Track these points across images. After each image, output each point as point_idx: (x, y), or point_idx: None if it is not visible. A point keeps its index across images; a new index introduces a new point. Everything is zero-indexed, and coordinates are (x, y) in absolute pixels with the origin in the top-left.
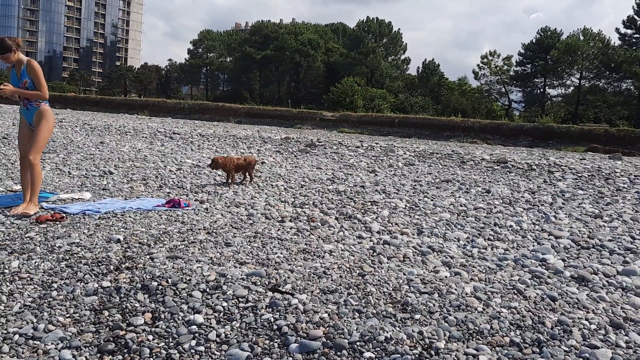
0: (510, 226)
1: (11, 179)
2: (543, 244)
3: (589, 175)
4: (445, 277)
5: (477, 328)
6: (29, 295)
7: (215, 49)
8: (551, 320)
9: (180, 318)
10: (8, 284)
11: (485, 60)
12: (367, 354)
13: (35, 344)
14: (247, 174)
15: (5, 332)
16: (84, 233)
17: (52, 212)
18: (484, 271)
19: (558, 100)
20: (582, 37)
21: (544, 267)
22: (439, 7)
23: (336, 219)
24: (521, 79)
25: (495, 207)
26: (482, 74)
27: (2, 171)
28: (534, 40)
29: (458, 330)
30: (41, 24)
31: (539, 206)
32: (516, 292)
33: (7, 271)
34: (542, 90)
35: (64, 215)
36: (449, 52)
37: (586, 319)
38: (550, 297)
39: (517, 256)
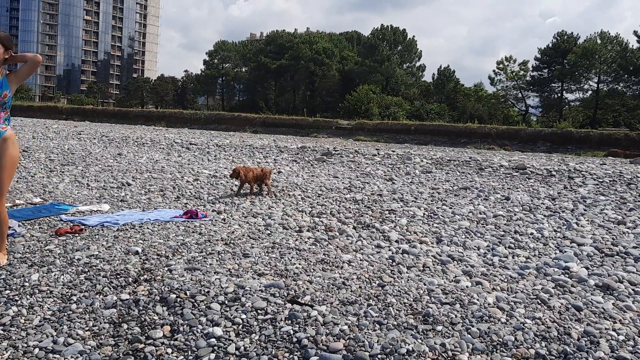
0: (531, 234)
1: (31, 192)
2: (565, 251)
3: (610, 181)
4: (467, 287)
5: (501, 340)
6: (48, 308)
7: (230, 59)
8: (577, 331)
9: (199, 331)
10: (28, 297)
11: (501, 65)
12: None
13: (55, 357)
14: (263, 184)
15: (25, 345)
16: (102, 245)
17: (71, 224)
18: (505, 280)
19: (576, 105)
20: (599, 41)
21: (567, 275)
22: (454, 13)
23: (354, 228)
24: (538, 84)
25: (515, 215)
26: (498, 80)
27: (22, 184)
28: (550, 45)
29: (481, 342)
30: (60, 38)
31: (560, 213)
32: (540, 301)
33: (27, 284)
34: (559, 95)
35: (83, 227)
36: (465, 58)
37: (613, 330)
38: (575, 307)
39: (539, 264)
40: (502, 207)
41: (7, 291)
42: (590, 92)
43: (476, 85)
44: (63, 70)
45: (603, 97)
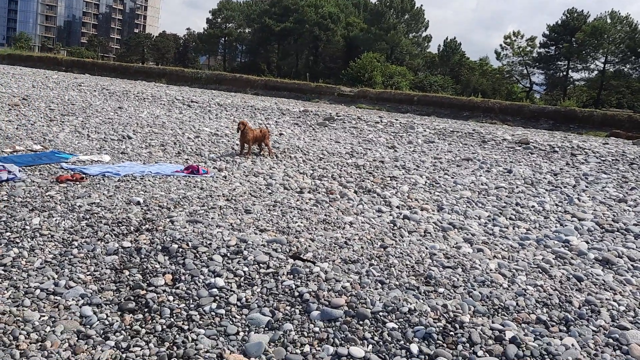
0: (533, 206)
1: (31, 139)
2: (566, 225)
3: (612, 160)
4: (468, 253)
5: (502, 304)
6: (49, 251)
7: (234, 19)
8: (578, 299)
9: (200, 281)
10: (29, 239)
11: (508, 40)
12: (390, 324)
13: (56, 299)
14: (263, 144)
15: (26, 286)
16: (104, 194)
17: (72, 172)
18: (506, 249)
19: (581, 84)
20: (609, 20)
21: (567, 248)
22: None
23: (355, 192)
24: (544, 61)
25: (517, 187)
26: (504, 55)
27: (22, 131)
28: (559, 22)
29: (483, 305)
30: None
31: (561, 188)
32: (541, 270)
33: (28, 227)
34: (565, 73)
35: (84, 176)
36: (472, 31)
37: (614, 300)
38: (576, 277)
39: (539, 236)
40: (504, 180)
41: (8, 233)
42: (596, 72)
43: (482, 60)
44: (63, 21)
45: (609, 77)
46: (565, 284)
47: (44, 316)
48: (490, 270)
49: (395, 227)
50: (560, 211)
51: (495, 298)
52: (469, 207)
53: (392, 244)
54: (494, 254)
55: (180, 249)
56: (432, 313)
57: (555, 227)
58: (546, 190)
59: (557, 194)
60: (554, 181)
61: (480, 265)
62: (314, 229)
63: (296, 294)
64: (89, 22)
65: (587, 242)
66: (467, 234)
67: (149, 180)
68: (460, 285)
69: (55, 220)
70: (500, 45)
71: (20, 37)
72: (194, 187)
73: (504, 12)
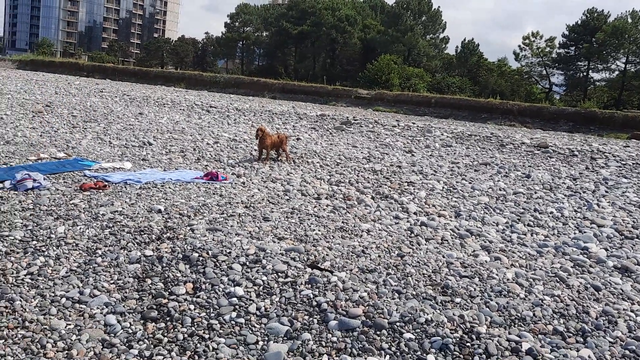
0: (551, 213)
1: (54, 146)
2: (585, 232)
3: (633, 164)
4: (485, 261)
5: (519, 314)
6: (74, 260)
7: (252, 23)
8: (595, 310)
9: (220, 289)
10: (55, 248)
11: (527, 41)
12: (407, 335)
13: (81, 307)
14: (280, 149)
15: (53, 294)
16: (126, 202)
17: (95, 180)
18: (524, 257)
19: (601, 85)
20: (630, 20)
21: (586, 255)
22: None
23: (372, 198)
24: (564, 61)
25: (535, 193)
26: (523, 56)
27: (46, 138)
28: (579, 22)
29: (500, 315)
30: None
31: (580, 193)
32: (558, 280)
33: (53, 236)
34: (585, 73)
35: (107, 183)
36: (490, 32)
37: (632, 311)
38: (593, 287)
39: (557, 243)
40: (522, 185)
41: (34, 242)
42: (617, 72)
43: (500, 60)
44: (85, 27)
45: (630, 78)
46: (583, 293)
47: (69, 324)
48: (508, 279)
49: (413, 235)
50: (579, 217)
51: (512, 308)
52: (486, 213)
53: (409, 252)
54: (511, 262)
55: (201, 258)
56: (448, 324)
57: (574, 234)
58: (565, 195)
59: (576, 199)
60: (573, 186)
61: (497, 274)
62: (332, 237)
63: (314, 303)
64: (110, 27)
65: (606, 250)
66: (485, 242)
67: (169, 187)
68: (477, 295)
69: (80, 228)
70: (519, 46)
71: (43, 43)
72: (214, 194)
73: (521, 12)
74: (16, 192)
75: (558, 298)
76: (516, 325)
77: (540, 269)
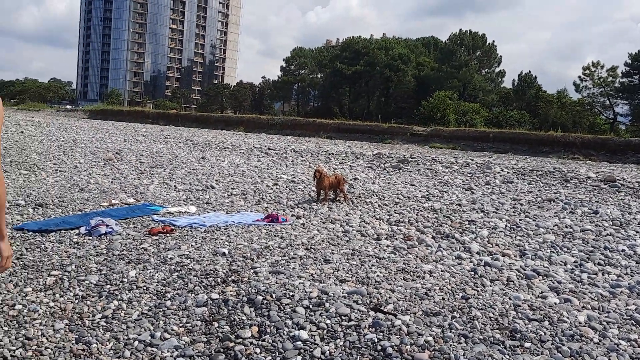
0: (623, 250)
1: (124, 192)
2: None
3: None
4: (555, 303)
5: None
6: (145, 303)
7: (306, 65)
8: None
9: (285, 333)
10: (127, 292)
11: (587, 71)
12: None
13: (152, 350)
14: (338, 190)
15: (126, 337)
16: (192, 245)
17: (163, 224)
18: (596, 299)
19: None
20: None
21: None
22: (536, 18)
23: (433, 237)
24: (628, 90)
25: (604, 230)
26: (583, 86)
27: (116, 184)
28: None
29: None
30: (147, 46)
31: None
32: (634, 322)
33: (125, 280)
34: None
35: (173, 227)
36: (548, 63)
37: None
38: None
39: (631, 283)
40: (590, 221)
41: (108, 286)
42: None
43: (559, 92)
44: (150, 76)
45: None
46: None
47: None
48: (579, 323)
49: (477, 276)
50: None
51: (585, 354)
52: (553, 252)
53: (474, 294)
54: (582, 304)
55: (265, 301)
56: None
57: None
58: (637, 232)
59: None
60: None
61: (568, 317)
62: (394, 279)
63: (379, 347)
64: (173, 75)
65: None
66: (553, 282)
67: (232, 230)
68: (548, 340)
69: (150, 272)
70: (579, 76)
71: (112, 93)
72: (275, 236)
73: (580, 42)
74: (90, 238)
75: (635, 342)
76: None
77: (614, 311)
